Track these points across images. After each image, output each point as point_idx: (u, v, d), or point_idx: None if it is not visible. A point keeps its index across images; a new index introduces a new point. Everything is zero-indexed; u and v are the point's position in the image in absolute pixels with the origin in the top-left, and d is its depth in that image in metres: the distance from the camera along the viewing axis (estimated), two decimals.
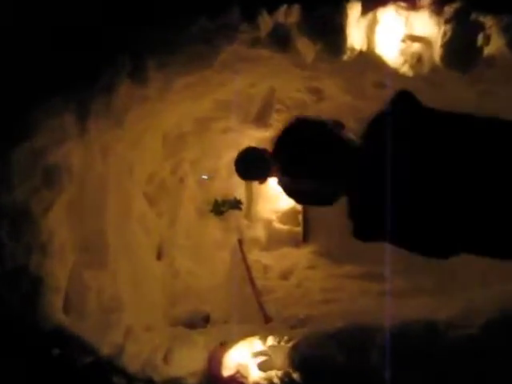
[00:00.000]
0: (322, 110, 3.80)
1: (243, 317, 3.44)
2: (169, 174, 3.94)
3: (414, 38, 2.51)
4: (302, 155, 1.73)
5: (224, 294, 3.79)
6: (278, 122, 3.92)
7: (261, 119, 3.91)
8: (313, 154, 1.70)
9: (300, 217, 4.36)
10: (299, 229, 4.33)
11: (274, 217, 4.38)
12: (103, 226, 3.10)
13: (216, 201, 4.24)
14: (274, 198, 4.39)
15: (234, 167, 2.24)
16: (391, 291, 3.62)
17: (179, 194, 4.01)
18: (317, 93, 3.67)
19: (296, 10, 2.54)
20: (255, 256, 4.15)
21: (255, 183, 2.81)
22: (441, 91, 2.66)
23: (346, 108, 3.65)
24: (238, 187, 4.28)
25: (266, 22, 2.55)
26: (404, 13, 2.46)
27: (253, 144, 2.71)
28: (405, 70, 2.54)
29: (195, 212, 4.17)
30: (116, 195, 3.23)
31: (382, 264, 3.77)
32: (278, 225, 4.38)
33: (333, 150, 1.67)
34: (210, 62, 2.73)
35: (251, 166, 2.11)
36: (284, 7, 2.53)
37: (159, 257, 3.79)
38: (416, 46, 2.52)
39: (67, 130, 2.63)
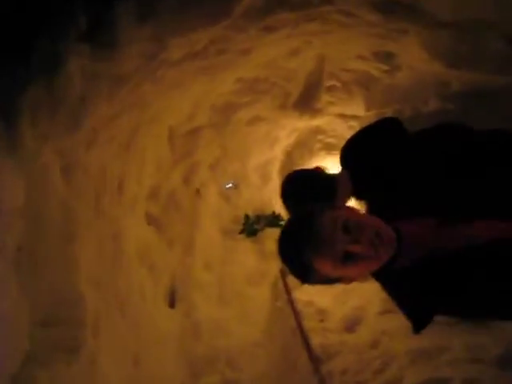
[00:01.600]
0: (396, 86, 2.69)
1: None
2: (180, 185, 3.36)
3: None
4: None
5: (264, 357, 2.86)
6: (331, 106, 3.15)
7: (305, 103, 3.11)
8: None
9: None
10: None
11: None
12: (76, 279, 2.12)
13: (247, 217, 3.73)
14: None
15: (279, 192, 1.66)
16: None
17: (195, 211, 3.49)
18: (389, 59, 2.62)
19: None
20: (305, 295, 3.32)
21: None
22: None
23: (431, 82, 2.61)
24: (275, 197, 3.61)
25: None
26: None
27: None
28: None
29: (219, 234, 3.69)
30: (97, 227, 2.31)
31: None
32: None
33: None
34: (225, 11, 1.64)
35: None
36: None
37: (172, 304, 3.09)
38: None
39: None
